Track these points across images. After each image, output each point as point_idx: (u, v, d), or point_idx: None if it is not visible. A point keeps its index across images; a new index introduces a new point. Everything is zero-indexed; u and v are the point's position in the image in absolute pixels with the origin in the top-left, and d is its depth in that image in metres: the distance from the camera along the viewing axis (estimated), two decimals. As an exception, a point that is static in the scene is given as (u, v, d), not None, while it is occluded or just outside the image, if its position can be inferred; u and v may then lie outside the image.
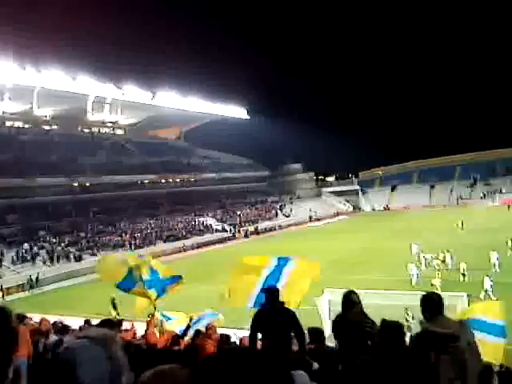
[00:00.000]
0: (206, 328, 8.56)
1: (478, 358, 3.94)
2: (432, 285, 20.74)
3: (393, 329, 4.42)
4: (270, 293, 5.87)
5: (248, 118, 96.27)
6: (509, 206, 64.29)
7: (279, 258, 8.20)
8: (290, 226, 69.95)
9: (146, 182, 70.97)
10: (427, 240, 37.36)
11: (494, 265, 25.20)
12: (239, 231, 62.06)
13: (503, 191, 77.72)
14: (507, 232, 34.32)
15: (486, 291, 20.14)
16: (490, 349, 5.83)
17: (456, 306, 15.48)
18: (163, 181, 73.45)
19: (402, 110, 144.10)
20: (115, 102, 74.09)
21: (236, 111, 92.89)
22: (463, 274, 24.25)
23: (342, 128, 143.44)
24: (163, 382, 1.41)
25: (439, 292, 18.74)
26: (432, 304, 4.12)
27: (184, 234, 56.92)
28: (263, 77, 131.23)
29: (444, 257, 27.37)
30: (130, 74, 73.99)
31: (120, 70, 77.76)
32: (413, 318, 13.68)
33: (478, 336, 5.87)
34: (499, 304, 6.67)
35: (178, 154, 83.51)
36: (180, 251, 49.87)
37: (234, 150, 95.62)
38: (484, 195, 79.23)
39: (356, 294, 5.15)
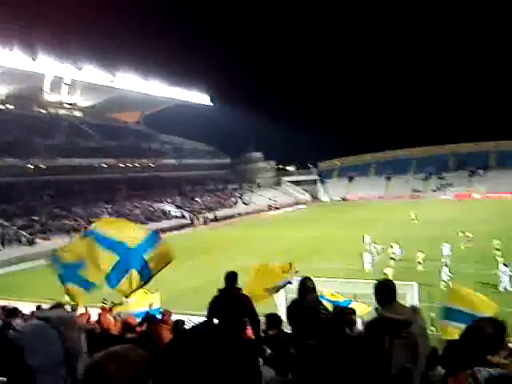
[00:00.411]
0: (162, 314, 8.55)
1: (428, 342, 4.11)
2: (384, 274, 21.43)
3: (344, 314, 4.56)
4: (228, 278, 5.95)
5: (211, 104, 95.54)
6: (460, 200, 67.13)
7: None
8: (249, 214, 70.19)
9: (104, 165, 69.25)
10: (381, 231, 38.48)
11: (447, 256, 26.10)
12: (198, 218, 61.82)
13: (455, 185, 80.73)
14: (458, 224, 35.79)
15: (444, 281, 20.81)
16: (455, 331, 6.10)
17: (406, 294, 16.09)
18: (122, 165, 71.85)
19: (361, 103, 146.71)
20: (74, 83, 71.62)
21: (199, 97, 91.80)
22: (419, 262, 25.23)
23: (304, 118, 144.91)
24: (115, 363, 1.40)
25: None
26: (386, 291, 4.22)
27: (142, 219, 56.17)
28: (226, 63, 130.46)
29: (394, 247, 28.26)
30: (90, 55, 71.80)
31: (80, 51, 75.26)
32: None
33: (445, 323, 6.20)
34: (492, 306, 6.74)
35: (137, 138, 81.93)
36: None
37: (196, 136, 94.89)
38: (437, 188, 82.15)
39: (312, 281, 5.30)
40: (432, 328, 11.44)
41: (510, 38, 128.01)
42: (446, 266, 22.31)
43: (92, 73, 70.14)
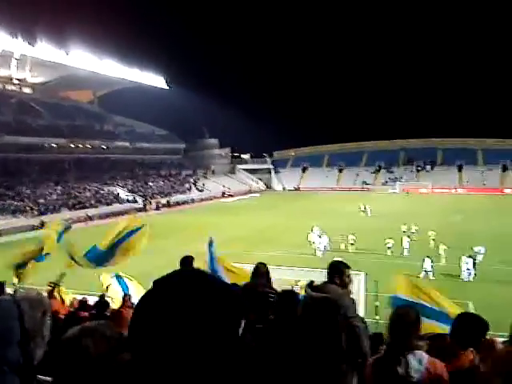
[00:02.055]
0: (123, 298, 8.61)
1: (358, 323, 4.40)
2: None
3: (288, 296, 4.79)
4: (183, 262, 6.13)
5: (167, 87, 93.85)
6: (408, 193, 70.68)
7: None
8: (202, 200, 70.12)
9: (54, 145, 66.91)
10: (331, 221, 39.51)
11: (405, 248, 27.22)
12: (150, 203, 61.11)
13: (403, 179, 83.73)
14: (407, 217, 37.37)
15: (425, 271, 21.79)
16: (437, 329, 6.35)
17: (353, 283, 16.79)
18: (72, 146, 69.66)
19: (317, 96, 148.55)
20: (24, 58, 68.34)
21: (154, 80, 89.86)
22: (389, 248, 27.02)
23: (261, 108, 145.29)
24: (91, 337, 1.44)
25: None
26: (329, 270, 4.42)
27: (92, 202, 54.98)
28: (184, 46, 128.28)
29: (347, 237, 29.28)
30: (42, 30, 68.54)
31: (32, 25, 71.94)
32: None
33: (427, 322, 6.05)
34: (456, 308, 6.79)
35: (90, 118, 79.58)
36: (85, 220, 48.14)
37: (151, 119, 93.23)
38: (386, 182, 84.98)
39: (265, 266, 5.47)
40: (376, 316, 12.04)
41: (459, 39, 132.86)
42: (430, 256, 23.02)
43: (44, 49, 67.20)
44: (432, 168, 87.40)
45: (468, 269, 21.71)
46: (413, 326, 3.12)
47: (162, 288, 0.85)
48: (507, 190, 72.31)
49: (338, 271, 4.41)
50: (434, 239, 28.33)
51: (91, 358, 1.41)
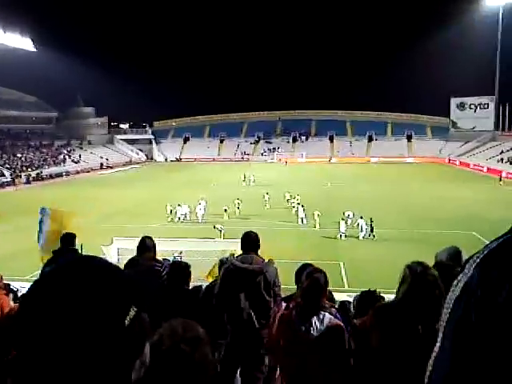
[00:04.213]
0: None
1: (275, 292, 4.78)
2: (214, 227, 24.00)
3: (178, 268, 5.07)
4: (64, 240, 6.43)
5: (34, 50, 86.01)
6: (286, 163, 74.35)
7: (42, 208, 9.75)
8: (79, 172, 67.11)
9: None
10: (214, 191, 40.69)
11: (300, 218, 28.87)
12: (20, 176, 56.97)
13: (280, 149, 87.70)
14: (289, 186, 40.33)
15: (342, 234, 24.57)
16: None
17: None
18: None
19: (198, 66, 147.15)
20: None
21: (20, 41, 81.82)
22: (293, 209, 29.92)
23: (139, 75, 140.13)
24: None
25: (221, 236, 21.09)
26: (246, 240, 4.84)
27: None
28: (53, 2, 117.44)
29: (227, 208, 30.66)
30: None
31: None
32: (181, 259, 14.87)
33: None
34: None
35: None
36: None
37: (17, 85, 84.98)
38: (264, 152, 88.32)
39: (151, 239, 5.62)
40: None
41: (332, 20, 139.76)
42: (363, 218, 25.09)
43: None
44: (307, 139, 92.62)
45: (344, 232, 24.72)
46: (323, 289, 3.37)
47: (48, 279, 0.81)
48: (372, 159, 79.65)
49: (257, 246, 4.86)
50: (302, 204, 30.09)
51: None
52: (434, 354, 0.68)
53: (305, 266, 3.61)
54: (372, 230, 24.62)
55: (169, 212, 30.23)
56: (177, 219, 29.72)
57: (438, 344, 0.67)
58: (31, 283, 0.85)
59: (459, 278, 0.68)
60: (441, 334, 0.68)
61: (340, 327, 3.23)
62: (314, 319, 3.23)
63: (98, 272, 0.85)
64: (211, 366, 1.45)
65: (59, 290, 0.80)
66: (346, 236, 24.68)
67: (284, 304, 3.62)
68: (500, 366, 0.58)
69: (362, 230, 24.69)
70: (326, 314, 3.28)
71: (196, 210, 30.15)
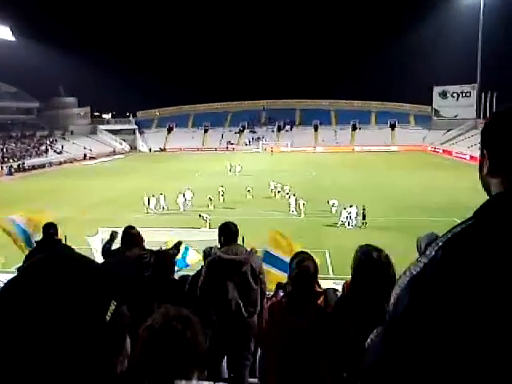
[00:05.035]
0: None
1: (261, 280, 4.84)
2: (200, 216, 24.23)
3: (164, 257, 5.15)
4: (46, 228, 6.41)
5: (13, 39, 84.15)
6: (272, 152, 74.45)
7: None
8: (62, 163, 66.42)
9: None
10: (199, 181, 40.56)
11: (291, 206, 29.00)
12: (1, 168, 56.12)
13: (265, 139, 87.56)
14: (274, 175, 40.39)
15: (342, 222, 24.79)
16: (274, 277, 6.87)
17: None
18: None
19: (181, 55, 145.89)
20: None
21: (-1, 30, 79.87)
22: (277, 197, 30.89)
23: (122, 64, 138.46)
24: None
25: (207, 225, 21.22)
26: (228, 232, 4.80)
27: None
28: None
29: (211, 197, 30.50)
30: None
31: None
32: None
33: (266, 267, 6.48)
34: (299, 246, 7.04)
35: None
36: None
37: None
38: (249, 141, 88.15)
39: (136, 229, 5.63)
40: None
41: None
42: (346, 208, 25.16)
43: None
44: (291, 128, 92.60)
45: (344, 220, 24.91)
46: (314, 278, 3.37)
47: (22, 276, 0.80)
48: (356, 148, 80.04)
49: (237, 236, 4.88)
50: (294, 193, 30.46)
51: None
52: (371, 336, 0.68)
53: (297, 254, 3.63)
54: (364, 218, 24.71)
55: (146, 203, 29.76)
56: (151, 211, 29.27)
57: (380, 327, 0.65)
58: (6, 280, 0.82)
59: (419, 258, 0.67)
60: (388, 316, 0.66)
61: (330, 315, 3.28)
62: (305, 307, 3.24)
63: (75, 268, 0.82)
64: (202, 345, 1.50)
65: (34, 287, 0.77)
66: (349, 224, 24.81)
67: (281, 293, 3.66)
68: (439, 352, 0.58)
69: (350, 218, 24.78)
70: (317, 302, 3.32)
71: (177, 200, 30.00)
